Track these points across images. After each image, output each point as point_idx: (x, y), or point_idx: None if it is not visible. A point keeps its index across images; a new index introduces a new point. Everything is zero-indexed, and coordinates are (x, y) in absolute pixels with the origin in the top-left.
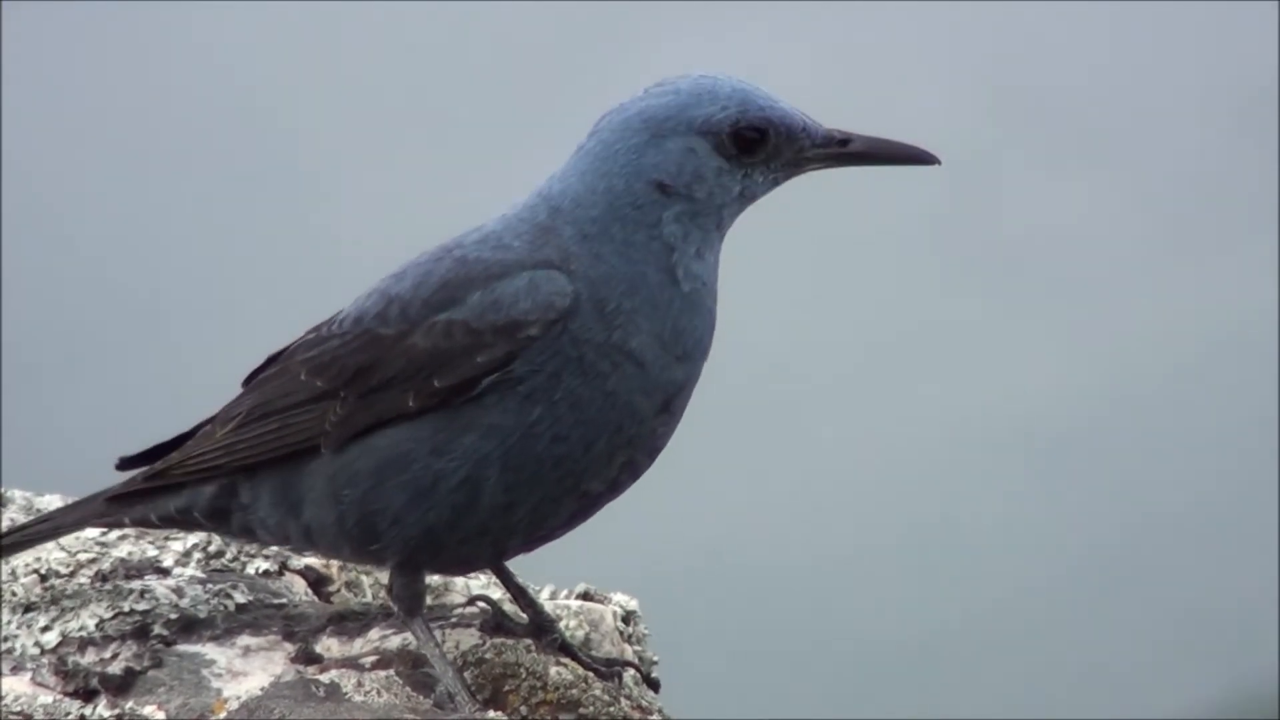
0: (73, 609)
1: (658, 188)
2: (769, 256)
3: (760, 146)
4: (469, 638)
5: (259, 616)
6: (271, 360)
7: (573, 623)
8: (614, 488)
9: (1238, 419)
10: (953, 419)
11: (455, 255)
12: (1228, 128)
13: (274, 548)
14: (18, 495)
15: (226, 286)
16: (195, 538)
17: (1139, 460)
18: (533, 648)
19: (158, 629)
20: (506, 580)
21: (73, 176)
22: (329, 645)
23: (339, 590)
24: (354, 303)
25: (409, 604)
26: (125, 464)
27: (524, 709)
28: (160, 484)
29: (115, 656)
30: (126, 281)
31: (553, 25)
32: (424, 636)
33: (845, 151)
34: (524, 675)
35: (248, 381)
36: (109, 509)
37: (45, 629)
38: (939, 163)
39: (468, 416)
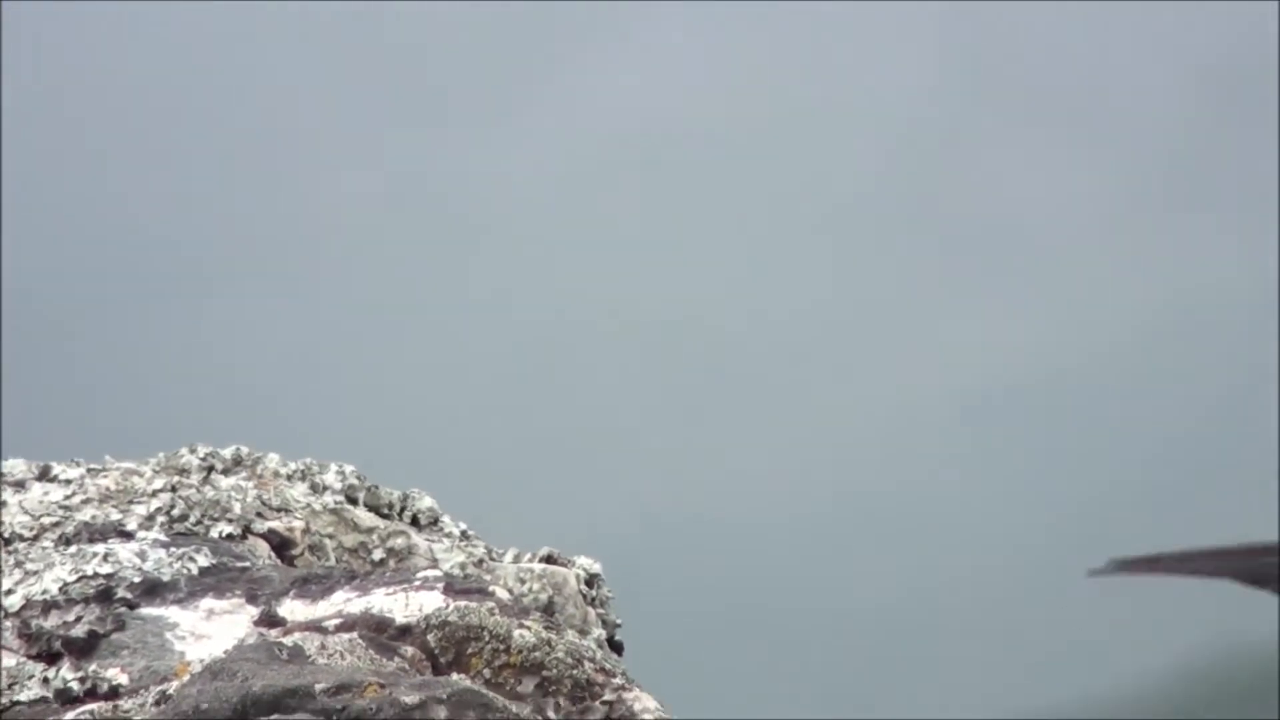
0: (36, 572)
1: None
2: (718, 225)
3: None
4: (432, 600)
5: (222, 580)
6: None
7: (535, 586)
8: None
9: (1195, 388)
10: (909, 386)
11: None
12: (1193, 97)
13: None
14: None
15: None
16: (159, 501)
17: (1098, 428)
18: (496, 610)
19: (121, 592)
20: None
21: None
22: (292, 608)
23: (302, 554)
24: None
25: None
26: None
27: (487, 671)
28: None
29: (79, 620)
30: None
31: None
32: None
33: None
34: (487, 638)
35: None
36: (1253, 569)
37: (9, 592)
38: None
39: None
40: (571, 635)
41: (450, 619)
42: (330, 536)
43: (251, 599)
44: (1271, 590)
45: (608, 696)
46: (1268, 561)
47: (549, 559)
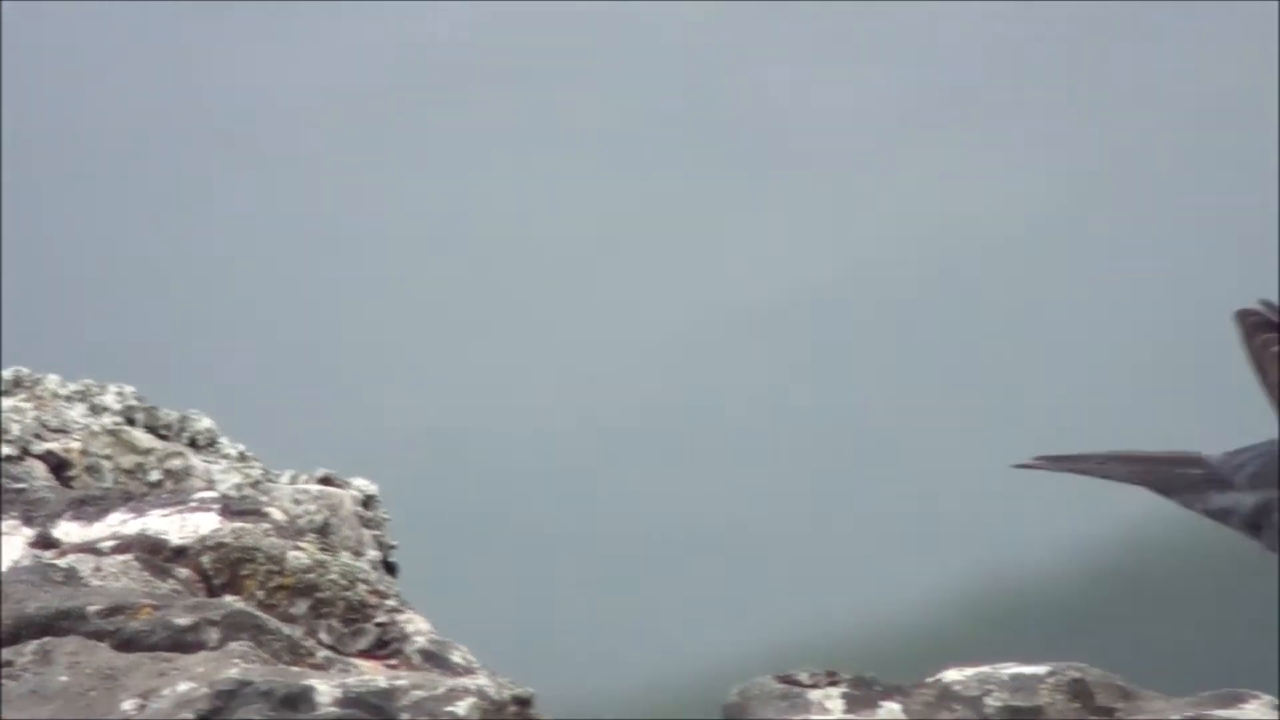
0: None
1: None
2: (517, 135)
3: None
4: (208, 522)
5: None
6: None
7: (311, 507)
8: None
9: (979, 302)
10: (704, 298)
11: None
12: (985, 14)
13: None
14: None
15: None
16: None
17: (894, 341)
18: (272, 532)
19: None
20: None
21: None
22: (68, 530)
23: (79, 475)
24: None
25: None
26: None
27: (261, 593)
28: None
29: None
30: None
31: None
32: None
33: None
34: (261, 560)
35: None
36: (1163, 477)
37: None
38: None
39: None
40: (346, 557)
41: (225, 540)
42: (108, 458)
43: (27, 521)
44: (1180, 501)
45: (380, 618)
46: (1183, 472)
47: (325, 480)
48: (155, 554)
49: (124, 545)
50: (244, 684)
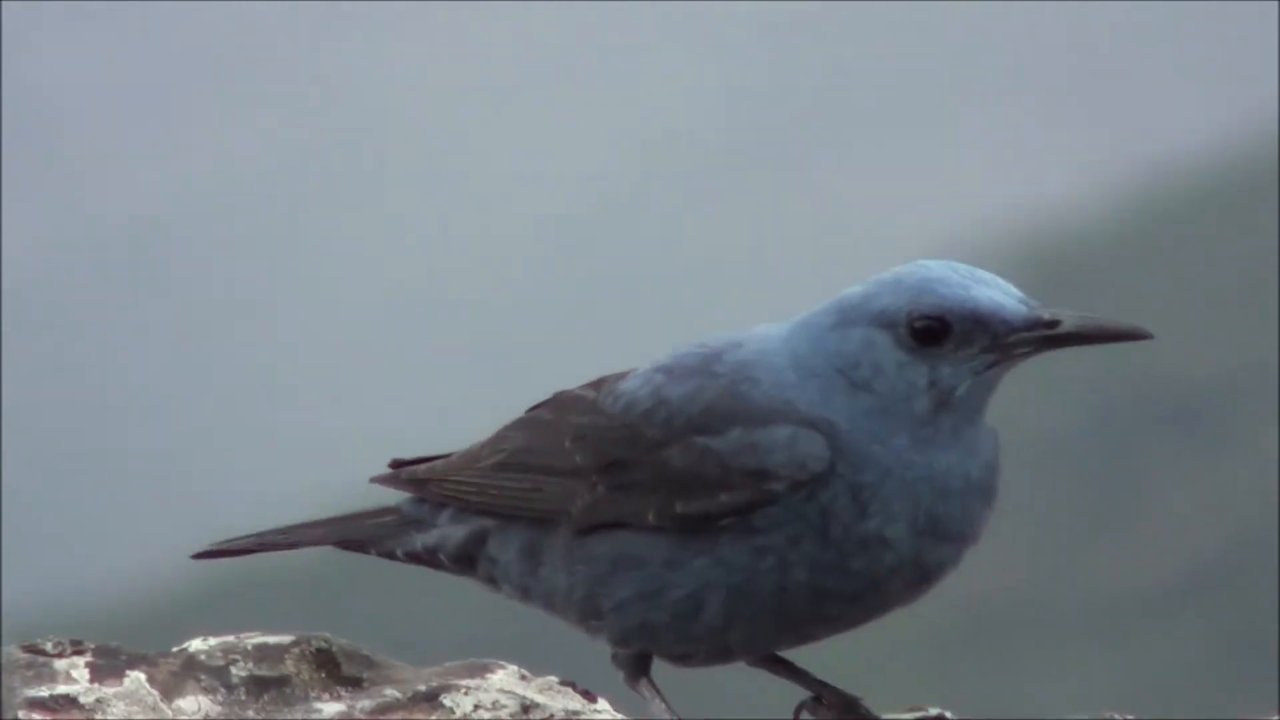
0: None
1: (843, 376)
2: None
3: (942, 337)
4: None
5: None
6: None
7: None
8: (843, 631)
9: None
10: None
11: (727, 382)
12: None
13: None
14: None
15: None
16: None
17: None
18: None
19: None
20: (778, 667)
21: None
22: None
23: None
24: (633, 380)
25: (631, 668)
26: (394, 465)
27: None
28: (418, 495)
29: None
30: None
31: None
32: (650, 695)
33: (1054, 334)
34: None
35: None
36: (356, 531)
37: None
38: (1152, 337)
39: (704, 542)
40: None
41: None
42: None
43: None
44: (380, 552)
45: None
46: (376, 522)
47: None
48: None
49: None
50: None
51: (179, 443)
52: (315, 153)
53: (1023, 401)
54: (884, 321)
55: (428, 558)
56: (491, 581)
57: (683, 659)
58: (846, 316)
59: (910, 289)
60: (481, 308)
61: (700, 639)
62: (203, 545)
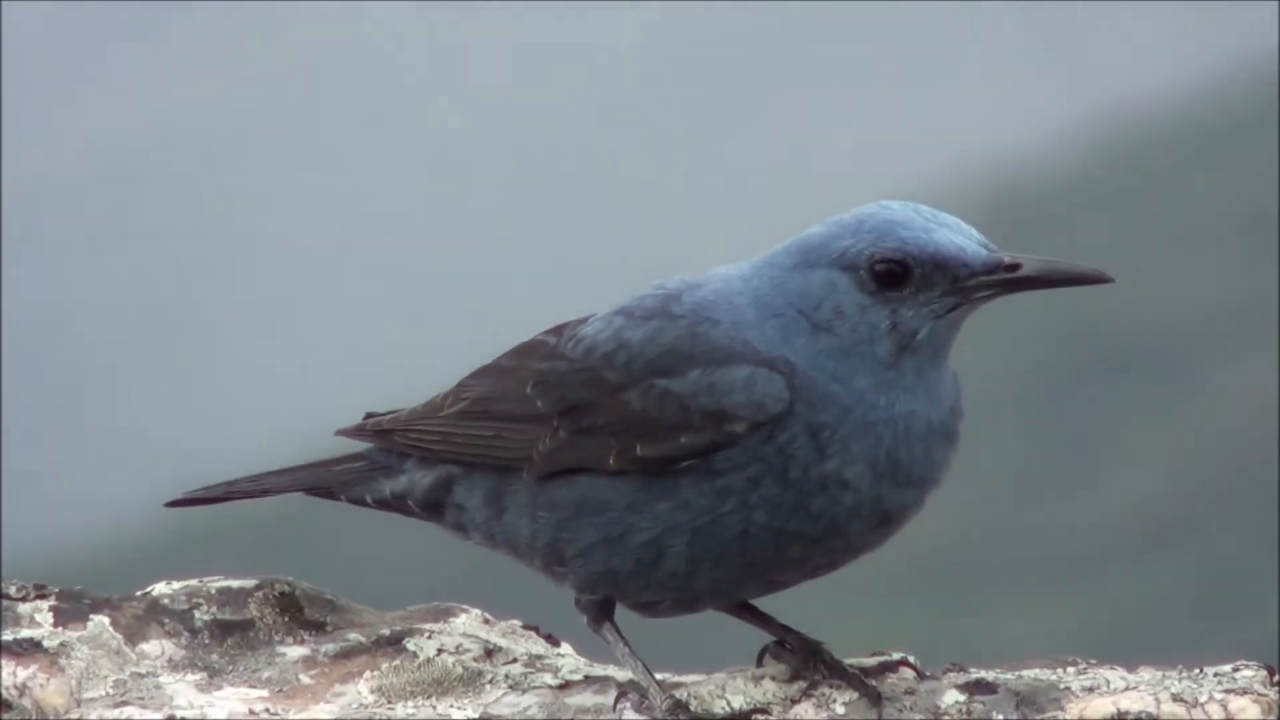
0: None
1: (804, 317)
2: None
3: (903, 280)
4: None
5: None
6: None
7: None
8: (809, 577)
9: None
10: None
11: (686, 324)
12: None
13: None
14: None
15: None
16: None
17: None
18: None
19: None
20: (744, 613)
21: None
22: None
23: None
24: (594, 324)
25: (595, 613)
26: (367, 417)
27: None
28: (383, 446)
29: None
30: None
31: None
32: (614, 639)
33: (1014, 278)
34: None
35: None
36: (326, 478)
37: None
38: (1113, 280)
39: (666, 484)
40: None
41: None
42: None
43: None
44: (350, 497)
45: None
46: (345, 468)
47: None
48: None
49: None
50: None
51: (150, 391)
52: (267, 98)
53: (984, 345)
54: (845, 264)
55: (397, 504)
56: (459, 528)
57: (649, 607)
58: (808, 258)
59: (871, 231)
60: (451, 253)
61: (665, 585)
62: (175, 493)
